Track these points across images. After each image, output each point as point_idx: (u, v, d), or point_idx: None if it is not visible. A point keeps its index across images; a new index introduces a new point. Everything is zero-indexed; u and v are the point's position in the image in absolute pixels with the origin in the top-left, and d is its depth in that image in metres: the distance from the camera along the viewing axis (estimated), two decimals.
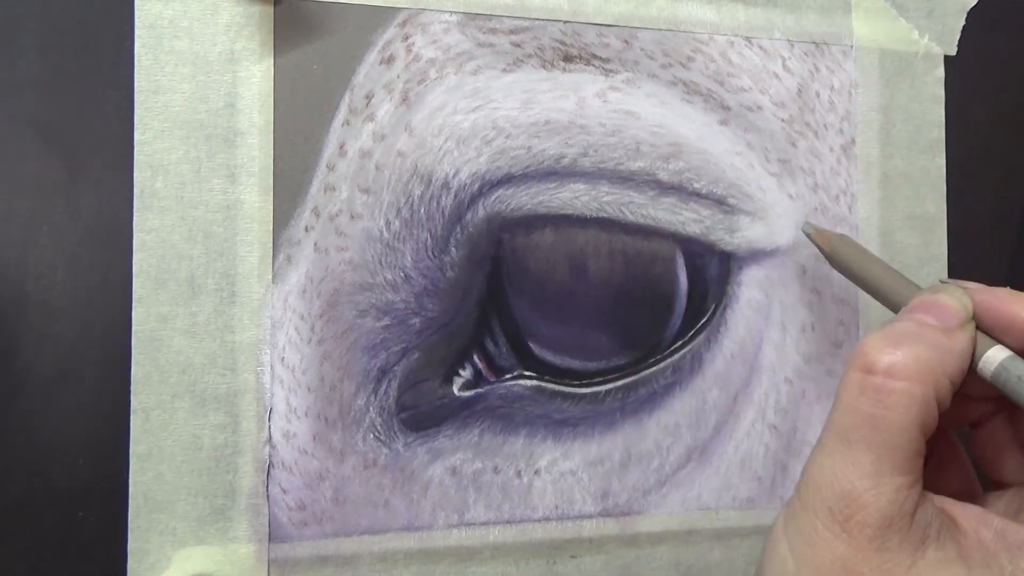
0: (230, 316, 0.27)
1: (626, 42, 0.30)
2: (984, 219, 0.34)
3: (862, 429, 0.21)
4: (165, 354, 0.26)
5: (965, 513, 0.21)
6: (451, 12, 0.29)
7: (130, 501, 0.26)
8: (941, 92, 0.33)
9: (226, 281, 0.27)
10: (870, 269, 0.27)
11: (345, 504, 0.28)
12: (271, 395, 0.27)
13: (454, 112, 0.29)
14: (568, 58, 0.30)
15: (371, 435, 0.28)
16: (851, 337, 0.32)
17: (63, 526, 0.26)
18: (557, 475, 0.29)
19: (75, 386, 0.26)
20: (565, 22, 0.30)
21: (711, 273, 0.31)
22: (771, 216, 0.31)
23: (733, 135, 0.31)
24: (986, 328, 0.23)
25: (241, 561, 0.27)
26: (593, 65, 0.30)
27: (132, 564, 0.26)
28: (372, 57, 0.28)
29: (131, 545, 0.26)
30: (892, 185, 0.33)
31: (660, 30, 0.30)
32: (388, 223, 0.28)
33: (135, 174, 0.26)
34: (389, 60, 0.28)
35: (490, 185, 0.29)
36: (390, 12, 0.28)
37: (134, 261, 0.26)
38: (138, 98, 0.27)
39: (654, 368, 0.30)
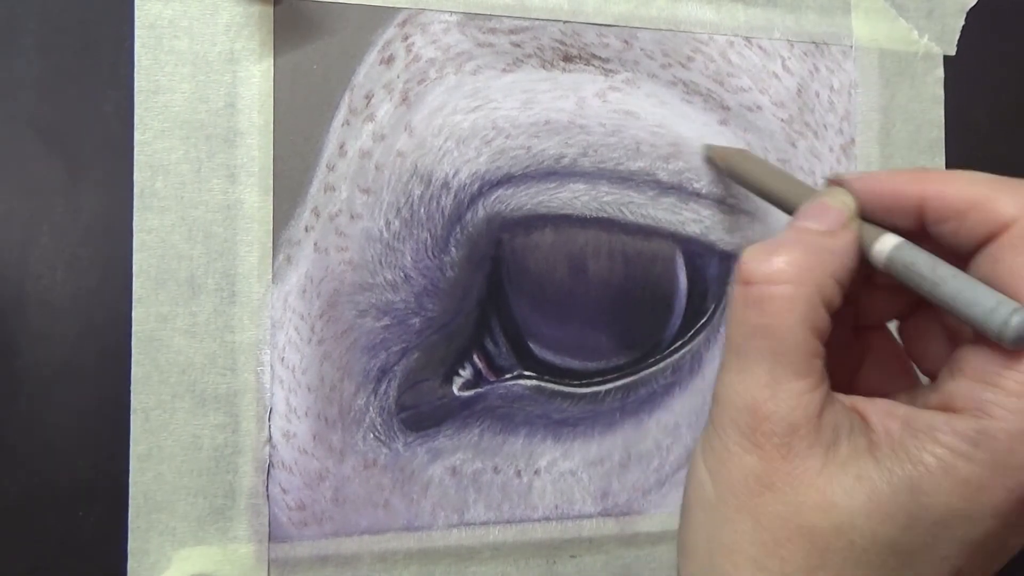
0: (230, 316, 0.27)
1: (626, 42, 0.30)
2: None
3: (752, 340, 0.21)
4: (165, 354, 0.26)
5: (874, 408, 0.21)
6: (451, 12, 0.29)
7: (130, 501, 0.26)
8: (941, 92, 0.33)
9: (226, 281, 0.27)
10: (769, 180, 0.27)
11: (345, 504, 0.28)
12: (271, 395, 0.27)
13: (454, 112, 0.29)
14: (568, 58, 0.30)
15: (371, 435, 0.28)
16: None
17: (63, 526, 0.26)
18: (557, 475, 0.29)
19: (75, 386, 0.26)
20: (565, 22, 0.30)
21: (711, 273, 0.31)
22: (770, 216, 0.31)
23: (733, 135, 0.31)
24: (876, 215, 0.22)
25: (241, 561, 0.27)
26: (593, 65, 0.30)
27: (132, 564, 0.26)
28: (372, 57, 0.28)
29: (131, 545, 0.26)
30: None
31: (660, 30, 0.30)
32: (388, 223, 0.28)
33: (135, 174, 0.26)
34: (389, 60, 0.28)
35: (490, 185, 0.29)
36: (390, 12, 0.28)
37: (134, 261, 0.26)
38: (138, 98, 0.27)
39: (654, 368, 0.30)
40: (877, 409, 0.21)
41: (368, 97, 0.28)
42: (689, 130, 0.30)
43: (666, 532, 0.30)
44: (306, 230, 0.27)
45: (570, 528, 0.29)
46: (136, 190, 0.26)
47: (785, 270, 0.21)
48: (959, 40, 0.33)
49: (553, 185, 0.29)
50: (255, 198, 0.27)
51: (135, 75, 0.27)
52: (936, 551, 0.19)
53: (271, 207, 0.27)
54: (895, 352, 0.25)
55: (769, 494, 0.20)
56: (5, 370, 0.26)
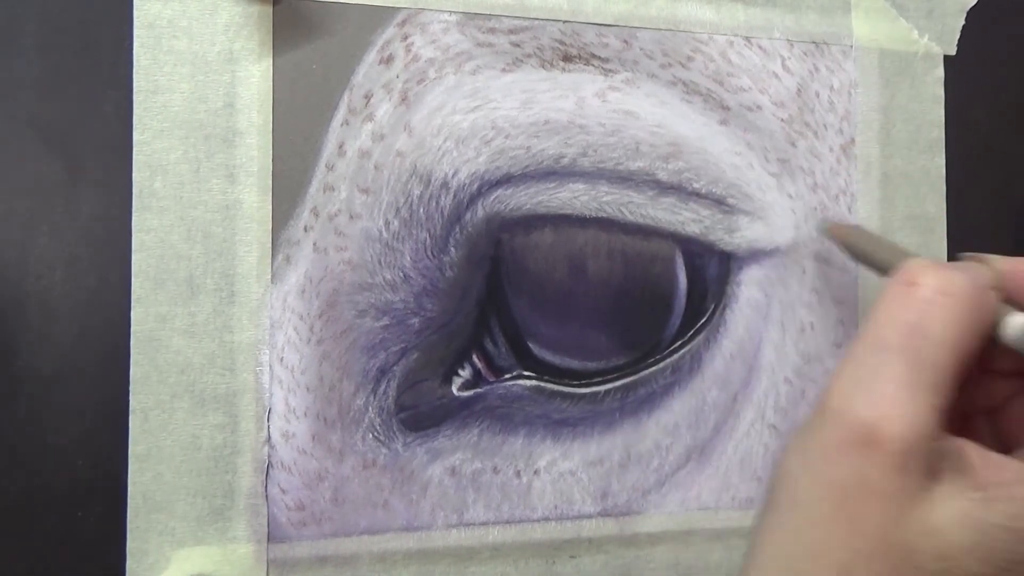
0: (229, 316, 0.27)
1: (625, 42, 0.30)
2: (984, 219, 0.34)
3: (900, 338, 0.20)
4: (164, 354, 0.26)
5: (980, 454, 0.21)
6: (450, 12, 0.29)
7: (129, 501, 0.26)
8: (941, 92, 0.33)
9: (225, 281, 0.27)
10: (892, 256, 0.27)
11: (344, 504, 0.28)
12: (270, 395, 0.27)
13: (453, 112, 0.28)
14: (567, 58, 0.30)
15: (370, 435, 0.28)
16: (851, 337, 0.32)
17: (63, 526, 0.26)
18: (556, 475, 0.29)
19: (74, 386, 0.26)
20: (564, 22, 0.30)
21: (710, 273, 0.31)
22: (770, 216, 0.31)
23: (733, 135, 0.31)
24: (1006, 298, 0.23)
25: (240, 561, 0.27)
26: (592, 65, 0.30)
27: (131, 564, 0.26)
28: (371, 57, 0.28)
29: (130, 545, 0.26)
30: (892, 185, 0.32)
31: (659, 30, 0.30)
32: (387, 223, 0.28)
33: (134, 174, 0.26)
34: (388, 60, 0.28)
35: (489, 185, 0.29)
36: (389, 12, 0.28)
37: (133, 261, 0.26)
38: (137, 98, 0.27)
39: (653, 368, 0.30)
40: (987, 458, 0.20)
41: (367, 97, 0.28)
42: (689, 130, 0.30)
43: (666, 532, 0.30)
44: (305, 230, 0.27)
45: (569, 528, 0.29)
46: (135, 190, 0.26)
47: (957, 283, 0.21)
48: (959, 40, 0.33)
49: (552, 185, 0.29)
50: (254, 198, 0.27)
51: (134, 75, 0.27)
52: None
53: (270, 207, 0.27)
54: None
55: (874, 502, 0.19)
56: (4, 370, 0.26)
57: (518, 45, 0.29)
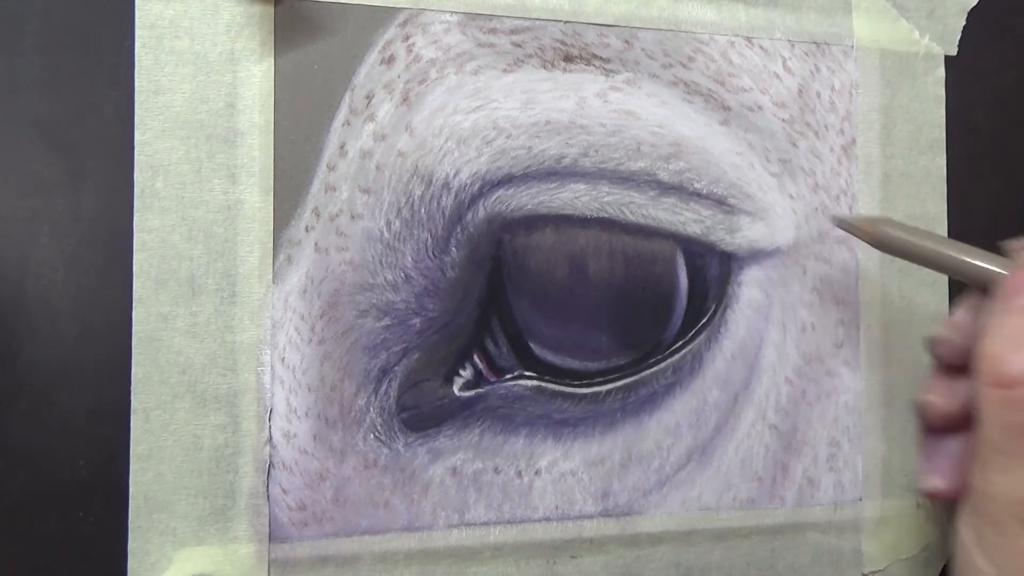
0: (230, 316, 0.27)
1: (627, 42, 0.30)
2: (984, 219, 0.34)
3: (1017, 439, 0.21)
4: (165, 354, 0.26)
5: None
6: (452, 12, 0.29)
7: (130, 501, 0.26)
8: (942, 92, 0.33)
9: (226, 281, 0.27)
10: (930, 246, 0.27)
11: (345, 504, 0.28)
12: (271, 395, 0.27)
13: (455, 112, 0.29)
14: (569, 58, 0.30)
15: (371, 435, 0.28)
16: (851, 337, 0.32)
17: (63, 526, 0.26)
18: (557, 475, 0.29)
19: (76, 386, 0.26)
20: (565, 22, 0.30)
21: (711, 273, 0.31)
22: (772, 216, 0.31)
23: (734, 135, 0.31)
24: None
25: (241, 561, 0.27)
26: (594, 65, 0.30)
27: (132, 564, 0.26)
28: (373, 57, 0.28)
29: (131, 545, 0.26)
30: (893, 185, 0.33)
31: (661, 30, 0.30)
32: (388, 223, 0.28)
33: (135, 174, 0.26)
34: (390, 60, 0.28)
35: (491, 185, 0.29)
36: (390, 12, 0.28)
37: (134, 261, 0.26)
38: (138, 98, 0.27)
39: (654, 368, 0.30)
40: None
41: (369, 97, 0.28)
42: (690, 130, 0.30)
43: (667, 532, 0.30)
44: (307, 230, 0.27)
45: (570, 528, 0.29)
46: (136, 190, 0.26)
47: None
48: (960, 40, 0.33)
49: (554, 185, 0.29)
50: (256, 198, 0.27)
51: (136, 75, 0.27)
52: None
53: (271, 207, 0.27)
54: None
55: None
56: (6, 370, 0.26)
57: (519, 45, 0.29)
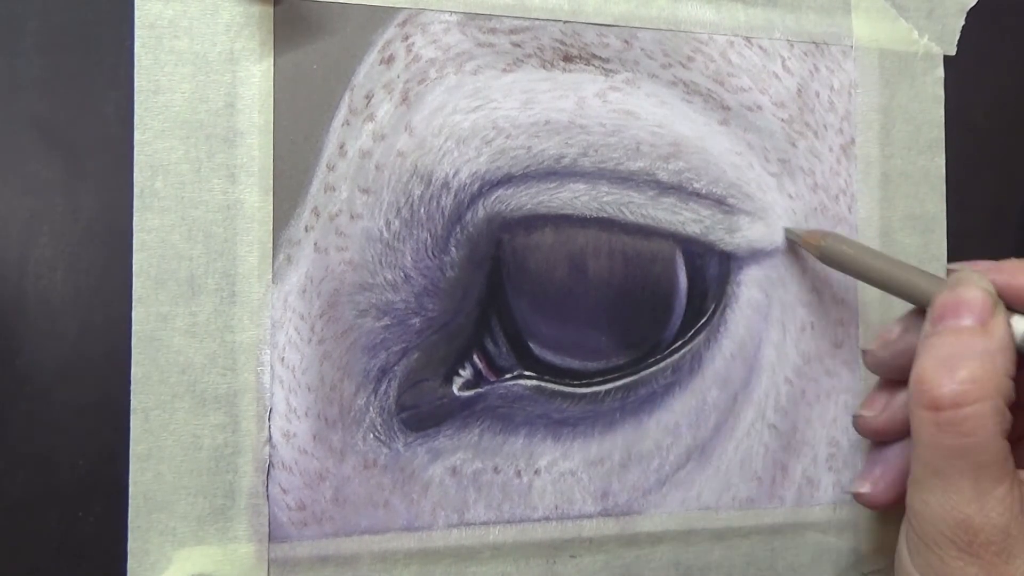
0: (230, 316, 0.27)
1: (626, 42, 0.30)
2: (984, 219, 0.34)
3: (951, 460, 0.21)
4: (165, 354, 0.26)
5: None
6: (451, 12, 0.29)
7: (130, 501, 0.26)
8: (941, 92, 0.33)
9: (226, 281, 0.27)
10: (872, 264, 0.27)
11: (345, 504, 0.28)
12: (271, 395, 0.27)
13: (454, 112, 0.29)
14: (568, 58, 0.30)
15: (371, 435, 0.28)
16: (851, 337, 0.32)
17: (63, 526, 0.26)
18: (557, 475, 0.29)
19: (75, 386, 0.26)
20: (565, 22, 0.30)
21: (711, 273, 0.31)
22: (771, 216, 0.31)
23: (733, 135, 0.31)
24: (1007, 304, 0.23)
25: (241, 561, 0.27)
26: (593, 65, 0.30)
27: (132, 564, 0.26)
28: (372, 57, 0.28)
29: (131, 545, 0.26)
30: (892, 185, 0.33)
31: (660, 30, 0.30)
32: (388, 223, 0.28)
33: (135, 174, 0.26)
34: (389, 60, 0.28)
35: (490, 185, 0.29)
36: (390, 12, 0.28)
37: (134, 261, 0.26)
38: (138, 98, 0.27)
39: (654, 368, 0.30)
40: None
41: (368, 97, 0.28)
42: (689, 130, 0.30)
43: (666, 532, 0.30)
44: (306, 230, 0.27)
45: (570, 528, 0.29)
46: (136, 190, 0.26)
47: (971, 390, 0.21)
48: (959, 40, 0.33)
49: (553, 185, 0.29)
50: (255, 198, 0.27)
51: (135, 75, 0.27)
52: None
53: (271, 207, 0.27)
54: None
55: None
56: (5, 370, 0.26)
57: (519, 45, 0.29)
